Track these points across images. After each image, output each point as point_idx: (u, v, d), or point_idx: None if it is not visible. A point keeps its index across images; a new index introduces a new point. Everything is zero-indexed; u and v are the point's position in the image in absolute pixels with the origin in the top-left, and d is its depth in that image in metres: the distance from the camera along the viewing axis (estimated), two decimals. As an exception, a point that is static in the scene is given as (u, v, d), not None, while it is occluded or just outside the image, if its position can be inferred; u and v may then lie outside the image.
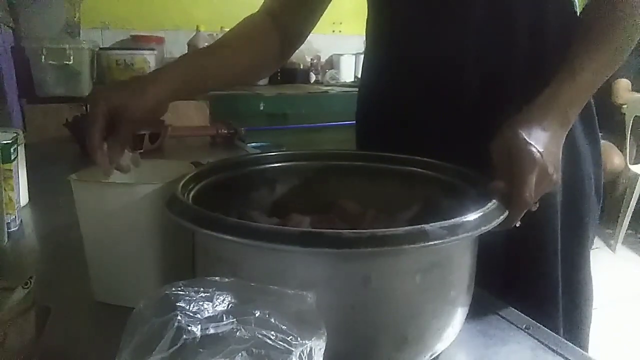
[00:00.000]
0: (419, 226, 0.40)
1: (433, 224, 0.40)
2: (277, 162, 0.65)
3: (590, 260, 0.80)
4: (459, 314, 0.47)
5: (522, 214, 0.51)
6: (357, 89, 0.89)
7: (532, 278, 0.73)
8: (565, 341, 0.53)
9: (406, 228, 0.40)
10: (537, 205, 0.53)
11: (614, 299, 2.25)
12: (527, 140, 0.52)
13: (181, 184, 0.52)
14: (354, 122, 0.89)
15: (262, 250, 0.41)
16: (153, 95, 0.58)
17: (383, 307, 0.42)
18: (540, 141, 0.53)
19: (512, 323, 0.56)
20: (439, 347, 0.47)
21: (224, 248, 0.44)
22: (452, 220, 0.42)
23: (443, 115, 0.73)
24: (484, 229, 0.43)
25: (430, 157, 0.62)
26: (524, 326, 0.55)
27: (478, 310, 0.54)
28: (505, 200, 0.49)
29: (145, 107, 0.57)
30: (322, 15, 0.82)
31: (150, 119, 0.60)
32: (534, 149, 0.52)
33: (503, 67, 0.70)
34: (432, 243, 0.39)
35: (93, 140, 0.55)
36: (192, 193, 0.53)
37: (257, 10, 0.81)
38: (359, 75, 0.87)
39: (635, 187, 2.72)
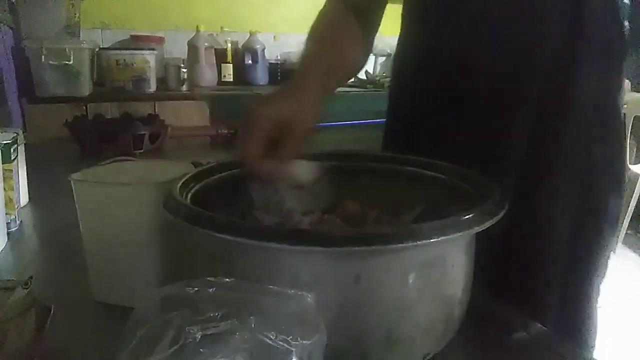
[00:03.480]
0: (408, 225, 0.40)
1: (422, 223, 0.40)
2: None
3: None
4: (455, 314, 0.47)
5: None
6: (357, 89, 0.89)
7: (526, 277, 0.72)
8: (565, 341, 0.52)
9: (395, 227, 0.40)
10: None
11: (614, 299, 2.25)
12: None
13: (180, 182, 0.52)
14: (354, 122, 0.89)
15: (252, 248, 0.41)
16: (312, 105, 0.58)
17: (374, 306, 0.42)
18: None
19: (511, 323, 0.56)
20: (434, 347, 0.46)
21: (216, 246, 0.45)
22: (443, 220, 0.41)
23: (464, 114, 0.71)
24: (477, 229, 0.42)
25: (455, 158, 0.60)
26: (523, 327, 0.55)
27: (477, 310, 0.53)
28: None
29: (309, 120, 0.57)
30: None
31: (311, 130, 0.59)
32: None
33: (526, 66, 0.67)
34: (421, 242, 0.39)
35: (254, 152, 0.54)
36: (192, 192, 0.53)
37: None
38: (359, 75, 0.86)
39: (635, 187, 2.72)
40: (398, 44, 0.82)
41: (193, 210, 0.45)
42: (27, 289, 0.45)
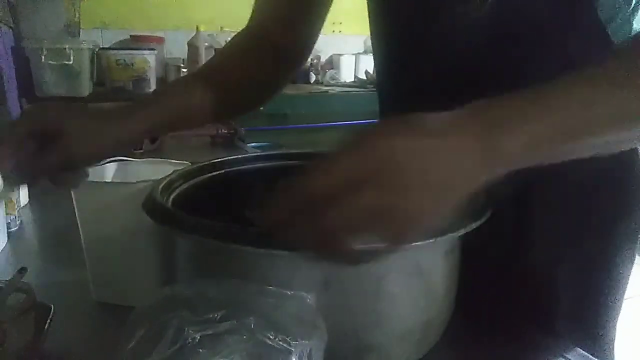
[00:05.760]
0: None
1: None
2: (270, 162, 0.64)
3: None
4: (434, 322, 0.45)
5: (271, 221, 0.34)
6: (357, 89, 0.87)
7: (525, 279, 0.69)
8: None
9: None
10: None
11: (614, 299, 2.25)
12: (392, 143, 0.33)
13: (163, 184, 0.51)
14: (354, 122, 0.88)
15: (221, 249, 0.40)
16: (105, 120, 0.49)
17: (345, 312, 0.40)
18: (420, 153, 0.33)
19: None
20: (412, 355, 0.45)
21: (190, 246, 0.44)
22: None
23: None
24: (451, 235, 0.40)
25: None
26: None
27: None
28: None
29: (85, 134, 0.46)
30: (321, 26, 0.71)
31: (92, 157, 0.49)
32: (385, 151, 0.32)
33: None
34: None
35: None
36: (176, 192, 0.52)
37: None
38: (359, 75, 0.85)
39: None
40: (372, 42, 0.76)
41: (165, 210, 0.44)
42: (21, 274, 0.45)
